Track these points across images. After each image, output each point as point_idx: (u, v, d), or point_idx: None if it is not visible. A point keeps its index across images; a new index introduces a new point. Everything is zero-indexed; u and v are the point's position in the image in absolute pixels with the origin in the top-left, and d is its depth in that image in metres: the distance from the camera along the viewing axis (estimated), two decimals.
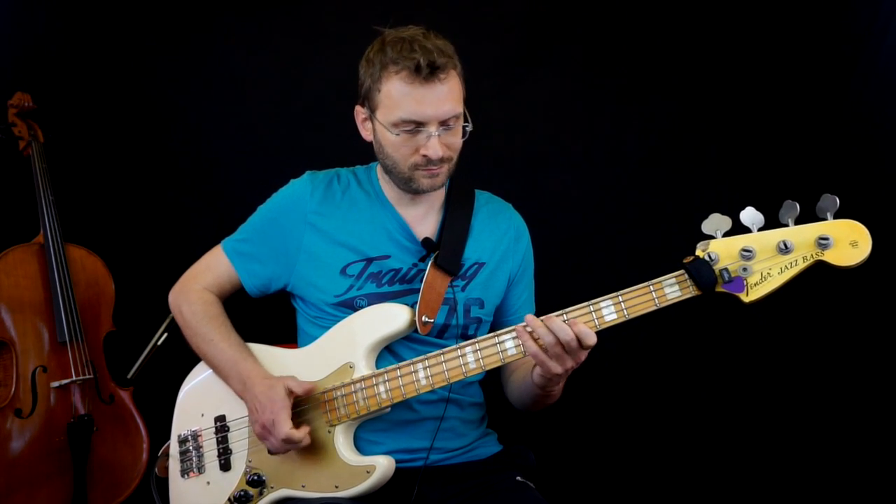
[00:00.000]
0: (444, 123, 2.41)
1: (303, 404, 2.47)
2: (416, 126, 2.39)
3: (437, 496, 2.49)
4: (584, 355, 2.26)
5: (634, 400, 3.85)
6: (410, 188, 2.52)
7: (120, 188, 3.98)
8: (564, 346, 2.22)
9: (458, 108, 2.43)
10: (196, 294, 2.67)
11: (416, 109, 2.37)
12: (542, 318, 2.25)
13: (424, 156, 2.42)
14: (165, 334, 3.45)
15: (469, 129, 2.48)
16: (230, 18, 3.95)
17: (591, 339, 2.22)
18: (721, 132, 3.77)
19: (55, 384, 3.48)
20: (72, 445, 3.46)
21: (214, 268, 2.70)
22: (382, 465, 2.40)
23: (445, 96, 2.39)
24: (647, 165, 3.83)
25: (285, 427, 2.37)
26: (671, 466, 3.81)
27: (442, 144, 2.42)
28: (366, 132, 2.56)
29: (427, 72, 2.34)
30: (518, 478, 2.59)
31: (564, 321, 2.24)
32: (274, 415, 2.38)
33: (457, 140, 2.48)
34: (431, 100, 2.37)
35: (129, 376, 3.57)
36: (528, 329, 2.25)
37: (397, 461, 2.43)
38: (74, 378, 3.51)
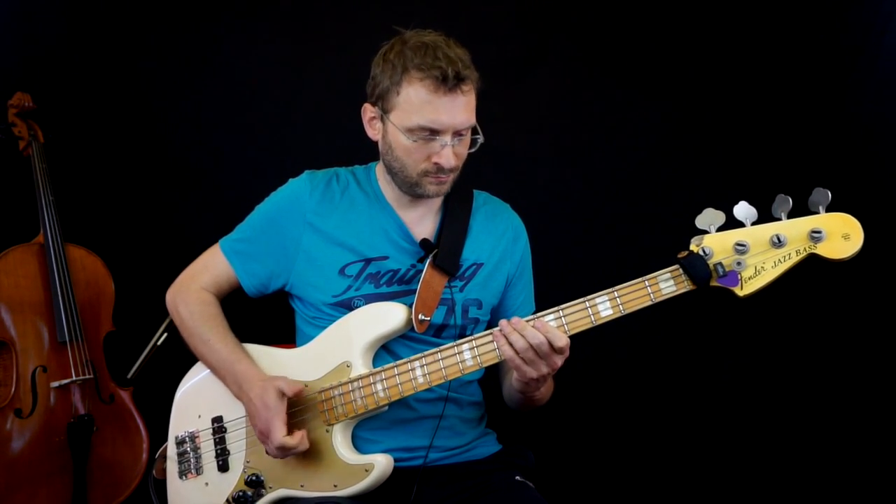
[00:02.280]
0: (457, 134, 2.42)
1: (299, 404, 2.47)
2: (432, 134, 2.40)
3: (436, 495, 2.49)
4: (559, 360, 2.26)
5: (632, 397, 3.85)
6: (415, 193, 2.53)
7: (120, 188, 3.98)
8: (536, 350, 2.23)
9: (473, 119, 2.45)
10: (194, 294, 2.67)
11: (436, 118, 2.38)
12: (512, 320, 2.26)
13: (436, 164, 2.43)
14: (165, 334, 3.45)
15: (480, 141, 2.50)
16: (230, 18, 3.95)
17: (561, 341, 2.23)
18: (716, 128, 3.77)
19: (55, 384, 3.48)
20: (72, 445, 3.46)
21: (212, 267, 2.69)
22: (381, 464, 2.40)
23: (464, 107, 2.41)
24: (642, 162, 3.83)
25: (278, 435, 2.37)
26: (670, 465, 3.80)
27: (453, 154, 2.43)
28: (373, 131, 2.56)
29: (453, 83, 2.35)
30: (517, 477, 2.59)
31: (533, 326, 2.24)
32: (267, 423, 2.39)
33: (466, 150, 2.50)
34: (451, 110, 2.38)
35: (129, 376, 3.57)
36: (504, 333, 2.26)
37: (396, 460, 2.44)
38: (74, 378, 3.51)
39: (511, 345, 2.25)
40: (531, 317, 2.29)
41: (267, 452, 2.46)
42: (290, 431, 2.40)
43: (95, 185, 3.97)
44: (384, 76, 2.45)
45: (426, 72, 2.36)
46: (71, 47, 3.96)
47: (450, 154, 2.42)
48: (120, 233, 3.95)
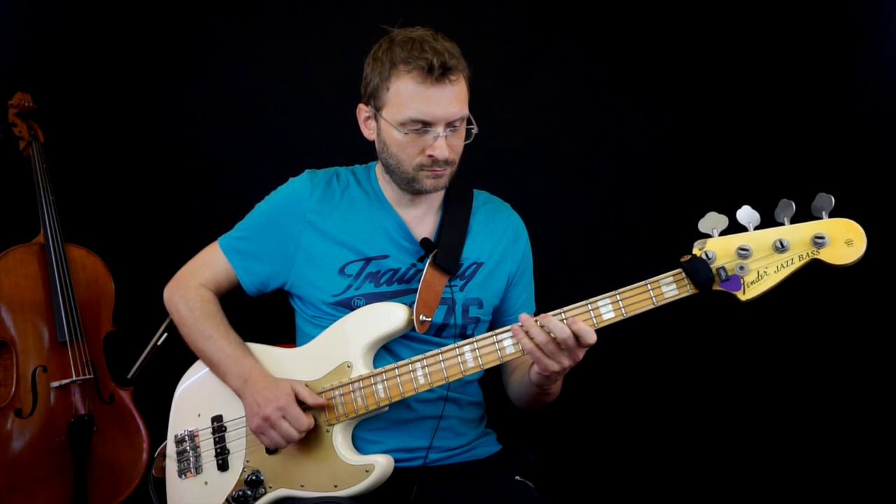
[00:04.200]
0: (450, 125, 2.42)
1: (314, 408, 2.47)
2: (424, 126, 2.40)
3: (436, 496, 2.49)
4: (581, 354, 2.26)
5: (633, 399, 3.85)
6: (413, 188, 2.52)
7: (120, 188, 3.98)
8: (560, 344, 2.22)
9: (465, 110, 2.45)
10: (193, 291, 2.67)
11: (425, 109, 2.38)
12: (538, 317, 2.25)
13: (430, 156, 2.43)
14: (165, 334, 3.44)
15: (475, 131, 2.49)
16: (230, 18, 3.95)
17: (591, 338, 2.22)
18: (719, 131, 3.77)
19: (55, 384, 3.48)
20: (72, 445, 3.46)
21: (212, 265, 2.69)
22: (381, 464, 2.40)
23: (454, 98, 2.40)
24: (645, 165, 3.83)
25: (302, 417, 2.39)
26: (671, 466, 3.81)
27: (447, 146, 2.42)
28: (368, 131, 2.56)
29: (439, 73, 2.35)
30: (517, 477, 2.58)
31: (562, 320, 2.24)
32: (284, 408, 2.39)
33: (461, 142, 2.49)
34: (441, 101, 2.38)
35: (129, 376, 3.57)
36: (524, 328, 2.25)
37: (396, 460, 2.44)
38: (74, 378, 3.50)
39: (531, 338, 2.24)
40: (557, 311, 2.28)
41: (268, 443, 2.45)
42: None
43: (95, 185, 3.97)
44: (374, 74, 2.46)
45: (412, 64, 2.37)
46: (71, 47, 3.95)
47: (443, 146, 2.41)
48: (120, 233, 3.94)
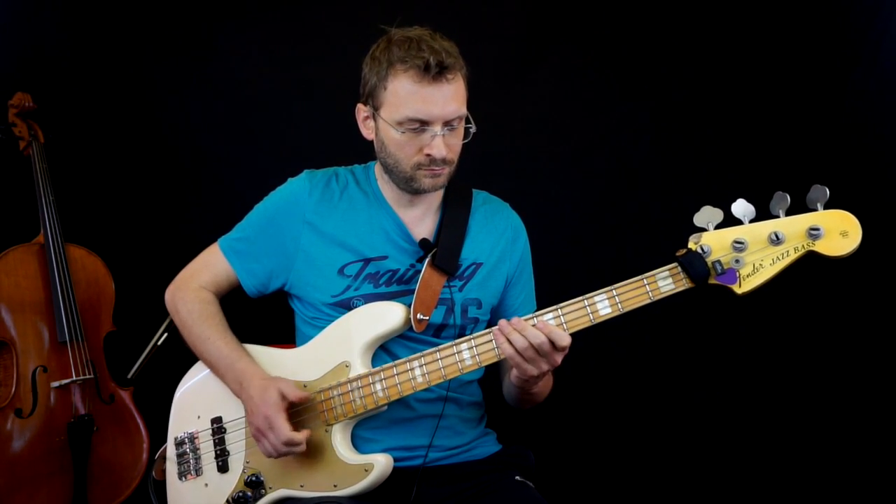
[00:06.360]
0: (447, 124, 2.41)
1: (299, 404, 2.46)
2: (421, 125, 2.40)
3: (436, 495, 2.49)
4: (559, 358, 2.27)
5: (631, 396, 3.85)
6: (411, 188, 2.52)
7: (120, 188, 3.99)
8: (537, 350, 2.23)
9: (463, 109, 2.44)
10: (193, 292, 2.66)
11: (422, 108, 2.38)
12: (512, 322, 2.25)
13: (428, 155, 2.43)
14: (165, 334, 3.44)
15: (473, 130, 2.48)
16: (230, 19, 3.96)
17: (565, 341, 2.23)
18: (715, 127, 3.77)
19: (55, 384, 3.48)
20: (72, 445, 3.46)
21: (212, 266, 2.69)
22: (380, 464, 2.40)
23: (451, 96, 2.40)
24: (641, 160, 3.84)
25: (285, 429, 2.37)
26: (670, 464, 3.80)
27: (445, 145, 2.42)
28: (367, 130, 2.55)
29: (436, 71, 2.35)
30: (517, 477, 2.58)
31: (534, 325, 2.24)
32: (269, 419, 2.38)
33: (459, 141, 2.49)
34: (438, 99, 2.38)
35: (129, 376, 3.57)
36: (504, 333, 2.26)
37: (396, 459, 2.44)
38: (74, 378, 3.51)
39: (511, 343, 2.24)
40: (530, 316, 2.29)
41: (263, 451, 2.45)
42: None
43: (95, 185, 3.98)
44: (372, 74, 2.46)
45: (409, 63, 2.36)
46: (71, 47, 3.96)
47: (441, 144, 2.41)
48: (120, 233, 3.95)
